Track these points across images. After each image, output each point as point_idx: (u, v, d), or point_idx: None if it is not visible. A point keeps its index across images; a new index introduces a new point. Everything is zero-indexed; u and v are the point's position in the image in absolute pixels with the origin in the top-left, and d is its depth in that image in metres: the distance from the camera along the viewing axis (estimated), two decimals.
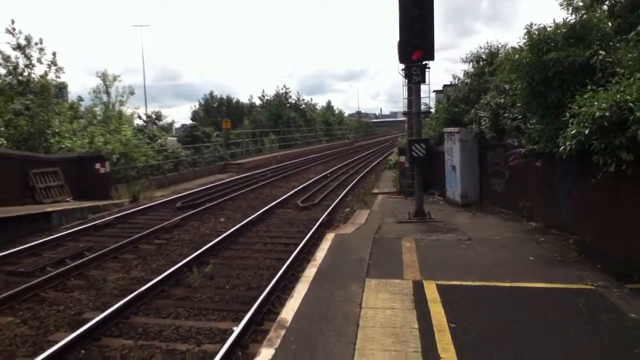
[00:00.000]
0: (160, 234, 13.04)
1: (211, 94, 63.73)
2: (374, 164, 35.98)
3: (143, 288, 8.15)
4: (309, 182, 24.36)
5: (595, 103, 6.67)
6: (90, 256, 10.49)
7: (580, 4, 9.34)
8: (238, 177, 27.02)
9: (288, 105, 64.09)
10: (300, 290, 6.35)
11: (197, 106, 62.96)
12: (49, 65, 23.40)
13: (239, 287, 8.67)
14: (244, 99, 67.25)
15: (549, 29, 9.07)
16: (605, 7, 9.50)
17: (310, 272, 7.22)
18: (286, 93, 66.73)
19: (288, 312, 5.92)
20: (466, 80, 16.76)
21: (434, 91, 32.33)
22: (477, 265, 7.72)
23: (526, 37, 9.28)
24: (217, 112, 59.38)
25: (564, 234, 9.28)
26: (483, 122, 12.96)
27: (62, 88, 29.51)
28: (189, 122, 55.15)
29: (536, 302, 5.98)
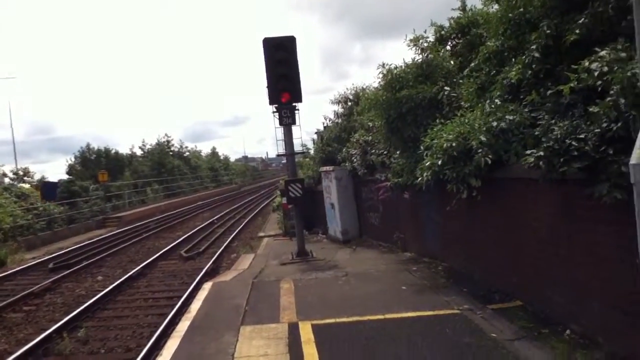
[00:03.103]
0: (29, 299, 12.05)
1: (88, 146, 60.85)
2: (261, 207, 36.05)
3: None
4: (195, 230, 23.88)
5: (444, 135, 7.16)
6: None
7: (425, 44, 10.10)
8: (118, 231, 25.83)
9: (171, 153, 62.81)
10: (171, 346, 6.09)
11: (73, 159, 59.86)
12: None
13: (115, 349, 8.17)
14: (125, 150, 64.88)
15: (399, 68, 9.72)
16: (448, 47, 10.34)
17: (183, 325, 6.96)
18: (168, 141, 65.35)
19: None
20: (337, 121, 17.43)
21: (315, 132, 33.17)
22: (352, 300, 7.82)
23: (380, 76, 9.88)
24: (95, 164, 56.65)
25: (434, 262, 9.73)
26: (354, 159, 13.49)
27: None
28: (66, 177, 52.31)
29: (407, 332, 6.12)
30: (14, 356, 7.68)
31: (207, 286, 9.51)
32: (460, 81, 8.71)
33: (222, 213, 31.95)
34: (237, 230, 22.17)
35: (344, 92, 17.46)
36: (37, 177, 36.94)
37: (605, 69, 4.30)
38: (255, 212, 31.72)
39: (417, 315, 6.64)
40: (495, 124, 5.96)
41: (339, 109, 17.75)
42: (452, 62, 9.46)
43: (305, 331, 6.25)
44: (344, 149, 14.86)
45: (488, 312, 6.54)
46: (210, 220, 27.58)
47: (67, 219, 27.83)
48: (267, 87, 12.19)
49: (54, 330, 8.94)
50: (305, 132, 75.13)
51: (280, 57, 12.05)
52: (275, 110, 12.48)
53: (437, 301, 7.25)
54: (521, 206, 6.33)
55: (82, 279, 14.47)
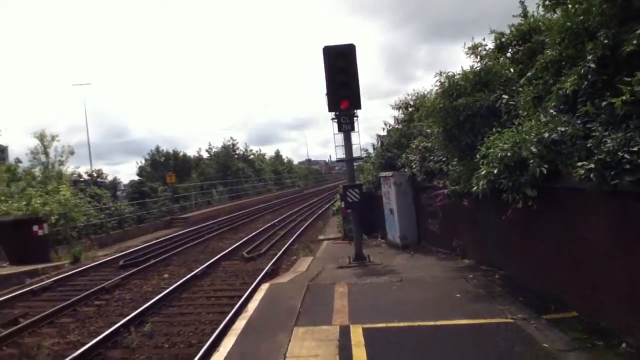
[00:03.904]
0: (100, 294, 12.78)
1: (157, 148, 63.25)
2: (322, 210, 36.34)
3: (76, 353, 8.00)
4: (257, 231, 24.43)
5: (499, 144, 7.16)
6: (25, 322, 10.19)
7: (484, 52, 10.04)
8: (184, 231, 26.79)
9: (236, 156, 64.31)
10: (227, 344, 6.39)
11: (143, 162, 62.32)
12: None
13: (178, 344, 8.57)
14: (194, 152, 67.19)
15: (457, 76, 9.71)
16: (509, 55, 10.23)
17: (239, 324, 7.26)
18: (233, 144, 67.04)
19: None
20: (397, 126, 17.44)
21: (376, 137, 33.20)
22: (404, 305, 7.90)
23: (438, 84, 9.92)
24: (164, 166, 58.81)
25: (492, 270, 9.66)
26: (414, 165, 13.51)
27: (1, 150, 28.92)
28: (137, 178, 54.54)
29: (457, 340, 6.18)
30: (85, 347, 8.22)
31: (264, 287, 9.81)
32: (521, 89, 8.64)
33: (284, 215, 32.47)
34: (297, 233, 22.55)
35: (405, 98, 17.48)
36: (109, 178, 38.74)
37: None
38: (316, 215, 32.04)
39: (470, 323, 6.65)
40: (547, 134, 5.94)
41: (399, 114, 17.77)
42: (511, 70, 9.37)
43: (356, 334, 6.40)
44: (404, 155, 14.89)
45: (542, 322, 6.47)
46: (272, 223, 28.14)
47: (137, 218, 29.09)
48: (327, 94, 12.42)
49: (122, 324, 9.43)
50: (370, 135, 74.89)
51: (340, 65, 12.24)
52: (334, 117, 12.71)
53: (491, 309, 7.22)
54: (578, 217, 6.26)
55: (149, 276, 15.17)
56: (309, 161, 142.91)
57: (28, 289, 13.59)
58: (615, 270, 5.54)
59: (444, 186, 10.74)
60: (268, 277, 13.02)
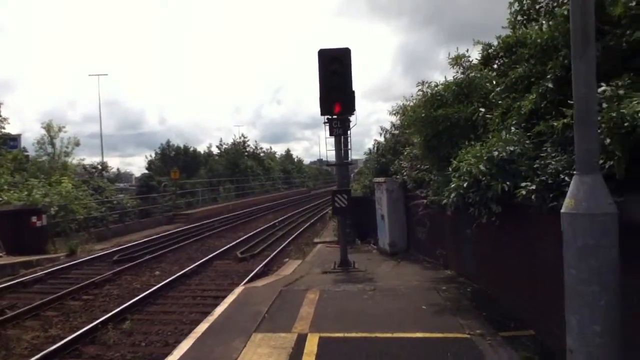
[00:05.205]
0: (90, 289, 12.94)
1: (168, 142, 63.87)
2: (324, 212, 36.30)
3: (54, 347, 8.15)
4: (256, 231, 24.57)
5: (468, 158, 7.18)
6: (10, 314, 10.36)
7: (467, 63, 10.02)
8: (185, 227, 26.98)
9: (246, 154, 64.58)
10: (183, 347, 6.49)
11: (153, 155, 62.91)
12: None
13: (155, 343, 8.68)
14: (206, 148, 67.62)
15: (440, 86, 9.72)
16: (495, 66, 10.20)
17: (202, 327, 7.35)
18: (244, 142, 67.34)
19: None
20: (394, 132, 17.44)
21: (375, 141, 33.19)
22: (368, 316, 7.91)
23: (420, 93, 9.93)
24: (173, 161, 59.33)
25: (468, 282, 9.66)
26: (405, 173, 13.53)
27: (13, 139, 29.25)
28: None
29: (407, 353, 6.18)
30: (62, 342, 8.37)
31: (237, 290, 9.88)
32: (501, 102, 8.65)
33: (286, 216, 32.59)
34: (295, 235, 22.65)
35: (402, 103, 17.42)
36: (121, 170, 39.18)
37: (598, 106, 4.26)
38: (317, 217, 32.09)
39: (425, 337, 6.68)
40: (496, 153, 5.97)
41: (396, 120, 17.73)
42: (494, 82, 9.38)
43: (311, 343, 6.45)
44: (397, 161, 14.92)
45: (497, 339, 6.49)
46: (272, 223, 28.26)
47: (140, 213, 29.31)
48: (320, 98, 12.43)
49: (104, 320, 9.56)
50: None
51: (335, 69, 12.22)
52: (326, 121, 12.74)
53: (451, 324, 7.24)
54: (533, 233, 6.28)
55: (141, 272, 15.32)
56: (320, 161, 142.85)
57: (20, 280, 13.81)
58: (561, 290, 5.55)
59: (425, 196, 10.76)
60: (257, 278, 13.11)
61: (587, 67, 3.85)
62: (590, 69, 3.88)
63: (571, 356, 4.12)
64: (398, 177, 14.40)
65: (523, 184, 5.21)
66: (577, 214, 3.94)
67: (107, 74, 72.00)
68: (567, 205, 3.56)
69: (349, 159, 13.20)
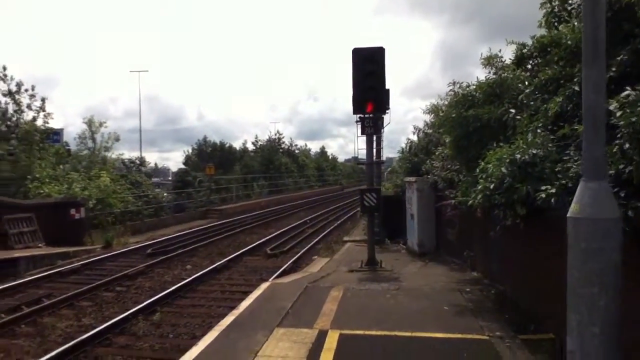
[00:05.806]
0: (123, 281, 13.25)
1: (204, 139, 64.76)
2: (356, 210, 36.25)
3: (86, 335, 8.40)
4: (287, 228, 24.72)
5: (494, 160, 7.12)
6: (47, 303, 10.70)
7: (500, 64, 9.90)
8: (217, 223, 27.35)
9: (281, 150, 65.00)
10: (207, 339, 6.64)
11: (190, 151, 63.90)
12: (37, 111, 24.11)
13: (182, 335, 8.85)
14: (242, 144, 68.40)
15: (471, 87, 9.63)
16: (529, 67, 10.05)
17: (226, 320, 7.50)
18: (279, 139, 67.76)
19: None
20: (427, 131, 17.32)
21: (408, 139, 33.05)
22: (390, 314, 7.94)
23: (451, 93, 9.86)
24: (209, 157, 60.13)
25: (492, 284, 9.58)
26: (436, 172, 13.45)
27: (56, 133, 30.06)
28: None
29: (425, 352, 6.21)
30: (94, 331, 8.64)
31: (263, 286, 10.02)
32: (532, 103, 8.54)
33: (317, 213, 32.72)
34: (324, 233, 22.74)
35: (436, 102, 17.30)
36: (159, 165, 40.02)
37: (620, 111, 4.22)
38: (348, 215, 32.10)
39: (444, 337, 6.69)
40: (518, 156, 5.91)
41: (430, 119, 17.61)
42: (526, 83, 9.25)
43: (332, 339, 6.53)
44: (428, 161, 14.84)
45: (517, 341, 6.45)
46: (304, 220, 28.43)
47: (174, 207, 29.85)
48: (352, 96, 12.42)
49: (135, 311, 9.82)
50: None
51: (368, 68, 12.17)
52: (358, 119, 12.76)
53: (471, 325, 7.22)
54: (557, 237, 6.20)
55: (173, 266, 15.62)
56: (355, 158, 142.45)
57: (57, 270, 14.26)
58: None
59: (454, 197, 10.70)
60: (285, 274, 13.23)
61: (597, 76, 3.86)
62: (600, 77, 3.88)
63: (572, 356, 4.10)
64: (429, 177, 14.31)
65: (543, 187, 5.16)
66: (581, 218, 3.98)
67: (147, 70, 73.32)
68: (572, 209, 3.61)
69: (382, 157, 13.18)
